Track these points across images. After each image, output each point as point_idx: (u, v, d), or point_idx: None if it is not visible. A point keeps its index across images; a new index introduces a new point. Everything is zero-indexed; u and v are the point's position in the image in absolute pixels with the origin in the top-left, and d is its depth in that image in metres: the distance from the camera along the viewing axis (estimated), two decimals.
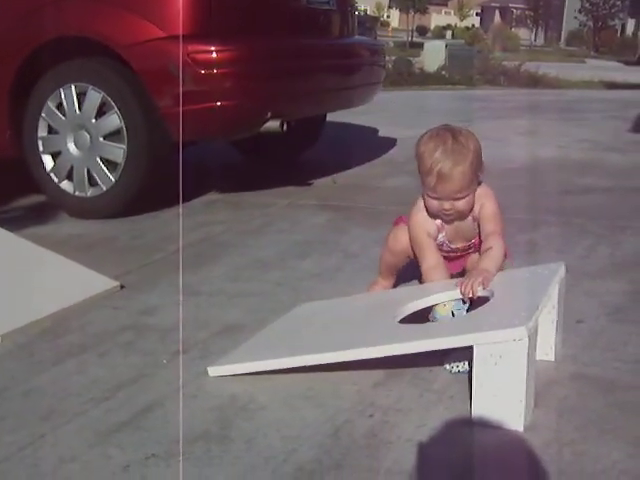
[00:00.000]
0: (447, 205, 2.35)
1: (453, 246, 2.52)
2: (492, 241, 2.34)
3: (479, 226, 2.44)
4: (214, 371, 2.14)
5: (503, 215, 2.45)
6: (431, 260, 2.42)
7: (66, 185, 3.93)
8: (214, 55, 3.57)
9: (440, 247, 2.49)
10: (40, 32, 3.78)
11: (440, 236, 2.47)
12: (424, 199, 2.42)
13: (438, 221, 2.45)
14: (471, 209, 2.41)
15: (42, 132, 3.94)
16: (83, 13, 3.72)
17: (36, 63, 3.82)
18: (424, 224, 2.45)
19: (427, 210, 2.42)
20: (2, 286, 2.70)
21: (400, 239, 2.54)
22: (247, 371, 2.12)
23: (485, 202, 2.41)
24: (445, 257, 2.50)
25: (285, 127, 3.86)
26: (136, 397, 2.03)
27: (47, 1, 3.79)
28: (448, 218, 2.42)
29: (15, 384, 2.12)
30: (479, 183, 2.41)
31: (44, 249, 2.96)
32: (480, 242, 2.45)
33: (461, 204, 2.36)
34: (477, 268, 2.28)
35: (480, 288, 2.16)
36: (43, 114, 3.89)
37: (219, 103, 3.60)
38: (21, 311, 2.55)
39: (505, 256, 2.38)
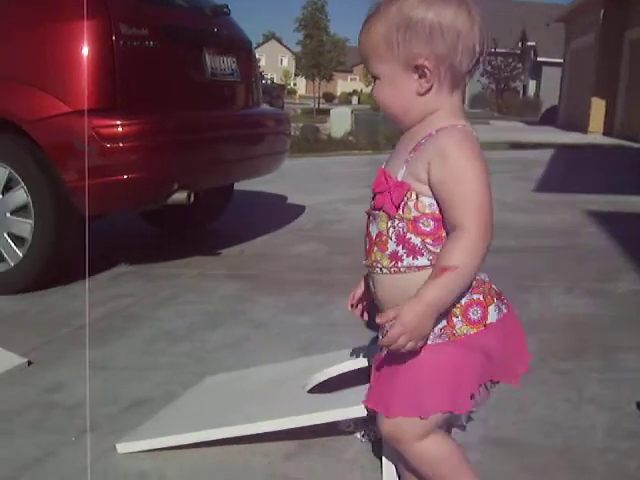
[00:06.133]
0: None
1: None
2: (448, 246, 1.49)
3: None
4: (123, 447, 2.12)
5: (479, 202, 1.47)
6: None
7: None
8: (119, 129, 3.58)
9: None
10: None
11: None
12: None
13: None
14: (402, 116, 1.57)
15: None
16: None
17: None
18: None
19: None
20: None
21: None
22: (156, 447, 2.10)
23: (445, 157, 1.48)
24: None
25: (192, 198, 3.88)
26: (42, 477, 1.99)
27: None
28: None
29: None
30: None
31: None
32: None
33: (376, 89, 1.58)
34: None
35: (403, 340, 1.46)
36: None
37: (125, 176, 3.60)
38: None
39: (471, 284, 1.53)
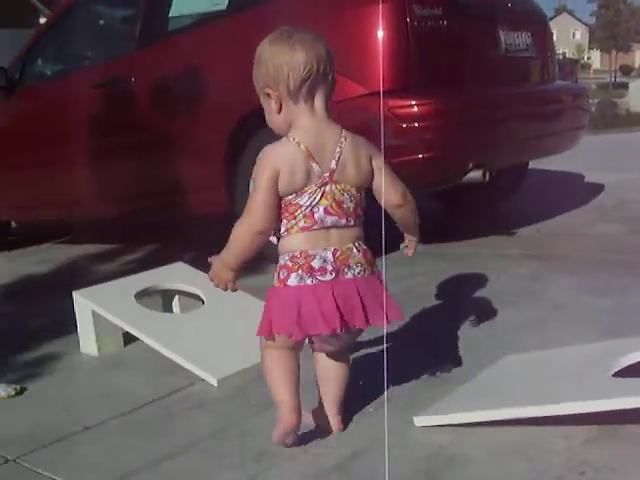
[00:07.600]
0: None
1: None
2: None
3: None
4: (420, 421, 2.15)
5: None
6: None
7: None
8: (415, 109, 3.64)
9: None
10: (248, 99, 4.01)
11: (314, 166, 2.03)
12: None
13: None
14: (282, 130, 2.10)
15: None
16: None
17: (246, 127, 4.05)
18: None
19: None
20: (219, 334, 2.88)
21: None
22: (454, 422, 2.11)
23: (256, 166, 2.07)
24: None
25: (487, 176, 3.84)
26: (343, 444, 2.08)
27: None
28: None
29: (231, 425, 2.28)
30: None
31: (256, 299, 3.11)
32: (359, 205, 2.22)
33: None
34: None
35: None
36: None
37: (421, 155, 3.65)
38: (236, 358, 2.71)
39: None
